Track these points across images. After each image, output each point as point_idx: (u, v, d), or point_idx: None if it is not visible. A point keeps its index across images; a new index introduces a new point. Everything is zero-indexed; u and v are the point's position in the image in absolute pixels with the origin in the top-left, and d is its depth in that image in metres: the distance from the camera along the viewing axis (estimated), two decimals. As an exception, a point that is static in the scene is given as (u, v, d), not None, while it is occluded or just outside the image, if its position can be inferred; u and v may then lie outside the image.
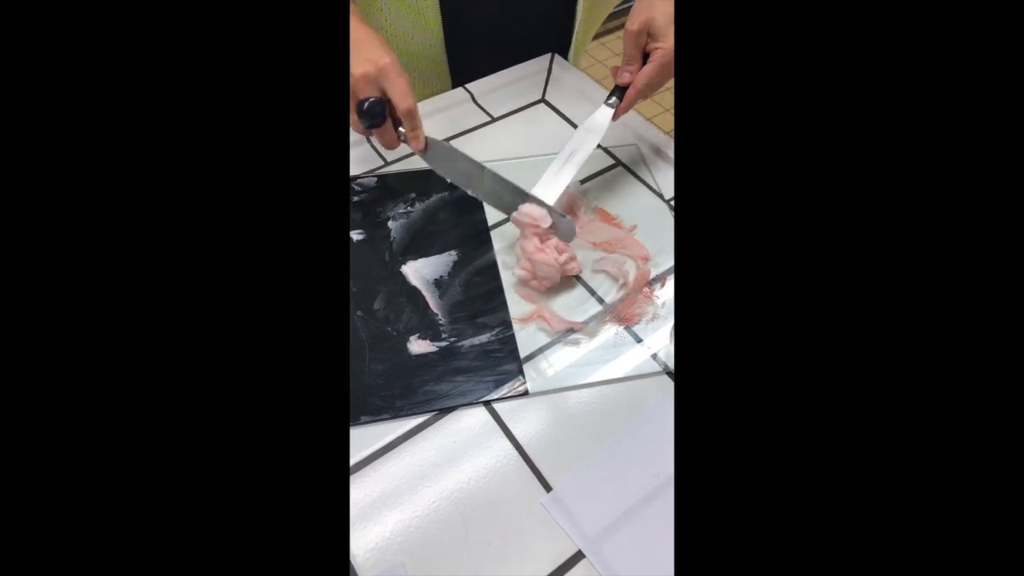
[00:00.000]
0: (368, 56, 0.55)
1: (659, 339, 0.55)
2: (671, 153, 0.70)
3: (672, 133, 0.66)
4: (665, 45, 0.60)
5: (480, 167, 0.58)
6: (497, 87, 0.78)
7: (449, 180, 0.59)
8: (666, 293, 0.58)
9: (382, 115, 0.56)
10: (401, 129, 0.57)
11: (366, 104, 0.55)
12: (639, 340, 0.55)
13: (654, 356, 0.54)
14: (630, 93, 0.61)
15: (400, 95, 0.56)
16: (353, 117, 0.57)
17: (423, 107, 0.74)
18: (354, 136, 0.71)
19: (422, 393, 0.51)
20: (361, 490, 0.46)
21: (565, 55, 0.87)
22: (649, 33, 0.61)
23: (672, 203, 0.66)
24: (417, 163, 0.68)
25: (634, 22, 0.60)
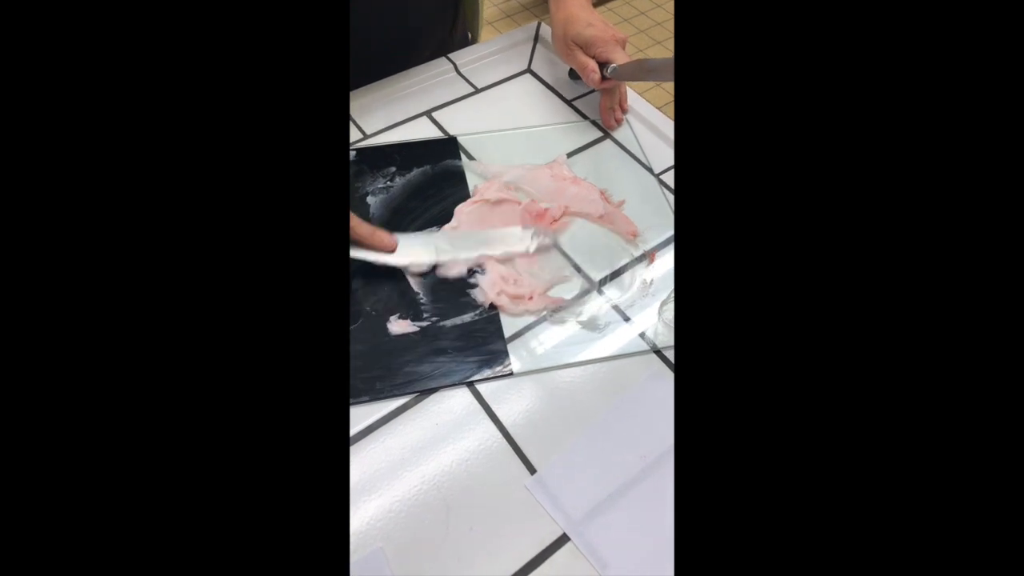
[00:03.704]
0: None
1: (647, 317, 0.54)
2: (662, 127, 0.68)
3: (663, 108, 0.65)
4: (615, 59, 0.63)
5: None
6: (482, 57, 0.75)
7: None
8: (654, 271, 0.57)
9: None
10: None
11: None
12: (627, 319, 0.54)
13: (642, 335, 0.53)
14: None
15: (368, 236, 0.52)
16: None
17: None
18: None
19: (403, 374, 0.49)
20: (339, 474, 0.45)
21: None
22: (579, 45, 0.64)
23: (662, 178, 0.64)
24: (397, 136, 0.66)
25: (559, 40, 0.66)
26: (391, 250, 0.54)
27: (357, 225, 0.52)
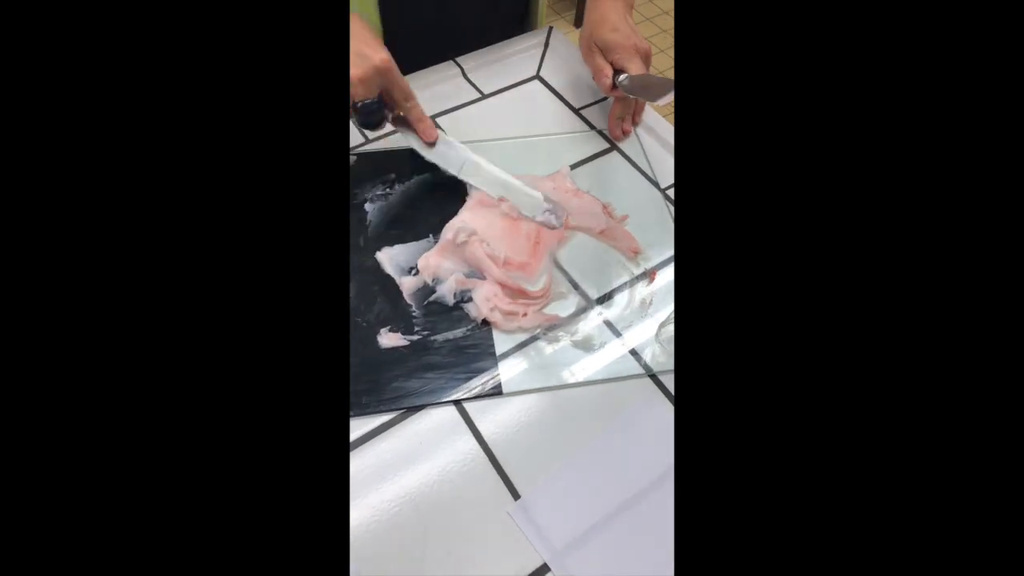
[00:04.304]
0: (361, 52, 0.51)
1: (642, 338, 0.52)
2: (670, 139, 0.66)
3: (671, 116, 0.63)
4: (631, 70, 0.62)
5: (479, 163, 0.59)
6: (489, 62, 0.74)
7: (444, 168, 0.59)
8: (653, 288, 0.55)
9: (380, 116, 0.54)
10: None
11: (360, 105, 0.52)
12: (618, 334, 0.52)
13: (635, 356, 0.51)
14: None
15: (404, 96, 0.54)
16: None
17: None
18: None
19: (390, 390, 0.48)
20: (320, 491, 0.44)
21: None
22: (600, 48, 0.63)
23: (668, 192, 0.62)
24: (400, 142, 0.65)
25: (584, 40, 0.65)
26: (430, 141, 0.57)
27: (414, 106, 0.55)
